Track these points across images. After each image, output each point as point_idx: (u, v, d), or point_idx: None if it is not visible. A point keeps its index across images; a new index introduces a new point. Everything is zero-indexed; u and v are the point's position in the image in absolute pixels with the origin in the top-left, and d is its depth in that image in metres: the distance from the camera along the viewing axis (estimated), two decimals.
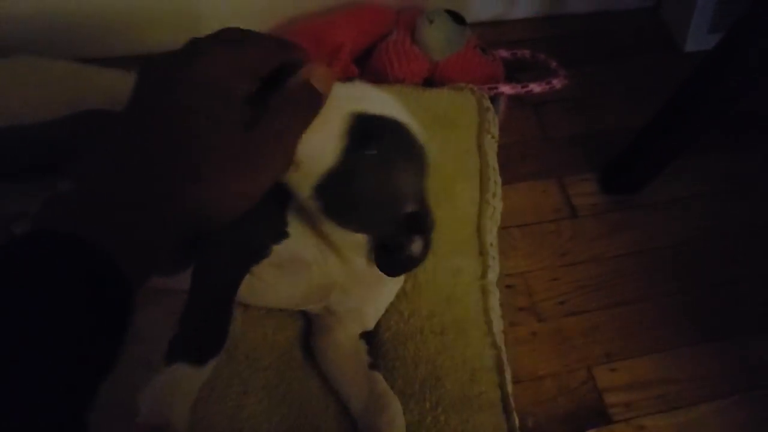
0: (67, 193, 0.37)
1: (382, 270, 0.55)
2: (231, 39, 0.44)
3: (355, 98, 0.48)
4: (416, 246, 0.54)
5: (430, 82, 0.99)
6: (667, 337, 0.89)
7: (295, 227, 0.55)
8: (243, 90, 0.41)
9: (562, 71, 0.97)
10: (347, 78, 0.97)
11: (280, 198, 0.52)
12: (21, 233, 0.32)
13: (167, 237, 0.37)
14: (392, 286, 0.65)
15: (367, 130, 0.47)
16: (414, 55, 0.94)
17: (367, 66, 1.00)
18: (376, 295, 0.65)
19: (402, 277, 0.65)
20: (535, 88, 0.93)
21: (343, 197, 0.49)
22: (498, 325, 0.74)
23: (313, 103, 0.44)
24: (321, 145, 0.46)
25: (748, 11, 0.79)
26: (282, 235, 0.54)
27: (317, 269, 0.57)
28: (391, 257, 0.54)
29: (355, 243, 0.54)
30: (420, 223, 0.52)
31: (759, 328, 0.93)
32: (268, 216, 0.54)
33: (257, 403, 0.65)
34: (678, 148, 0.97)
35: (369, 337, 0.67)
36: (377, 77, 0.96)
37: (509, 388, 0.69)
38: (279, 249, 0.54)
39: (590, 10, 1.20)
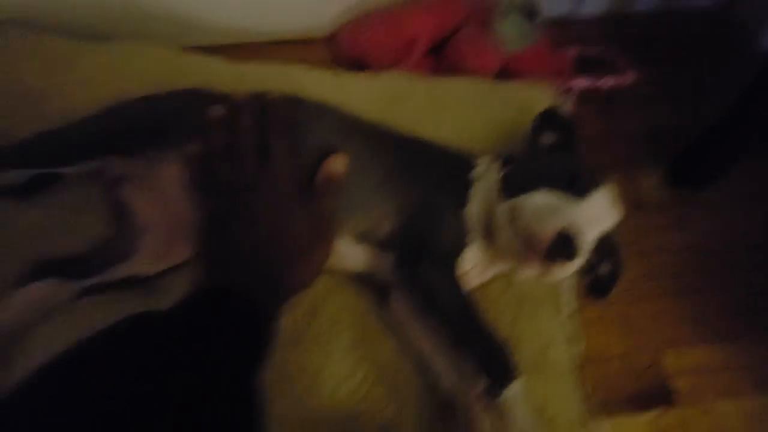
0: (214, 264, 0.56)
1: (595, 295, 0.71)
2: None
3: (596, 221, 0.63)
4: (604, 268, 0.69)
5: (502, 74, 1.01)
6: (732, 328, 0.90)
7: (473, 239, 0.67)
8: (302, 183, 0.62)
9: (631, 68, 0.98)
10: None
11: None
12: (198, 290, 0.52)
13: (287, 294, 0.57)
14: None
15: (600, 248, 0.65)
16: (488, 48, 0.97)
17: (441, 57, 1.03)
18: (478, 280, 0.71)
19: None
20: (606, 82, 0.95)
21: None
22: (570, 307, 0.77)
23: (337, 187, 0.63)
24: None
25: None
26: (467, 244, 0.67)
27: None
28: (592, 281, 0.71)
29: None
30: (607, 250, 0.67)
31: None
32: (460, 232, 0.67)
33: (340, 361, 0.69)
34: (746, 147, 0.97)
35: None
36: (451, 68, 0.99)
37: (581, 361, 0.72)
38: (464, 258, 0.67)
39: (660, 8, 1.20)
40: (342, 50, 1.03)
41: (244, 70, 0.88)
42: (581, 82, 0.94)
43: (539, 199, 0.63)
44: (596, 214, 0.63)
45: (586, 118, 1.05)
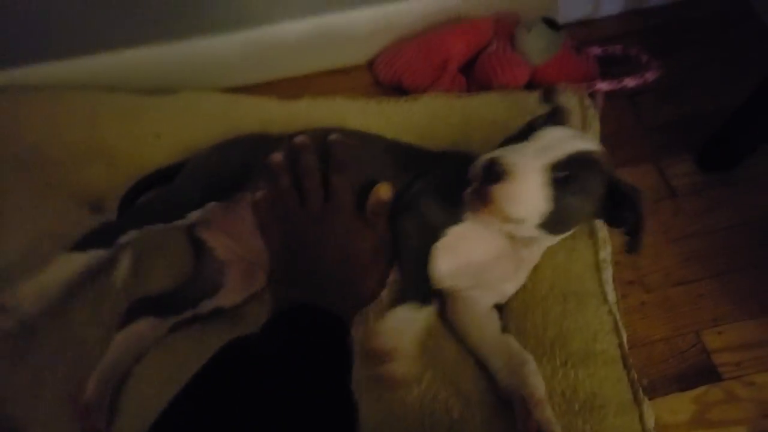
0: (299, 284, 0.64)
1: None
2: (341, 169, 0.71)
3: (542, 151, 0.65)
4: (628, 217, 0.70)
5: (530, 85, 1.06)
6: None
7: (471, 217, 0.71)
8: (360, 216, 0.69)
9: (655, 63, 1.03)
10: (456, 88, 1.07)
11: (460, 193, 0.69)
12: (281, 310, 0.60)
13: (360, 306, 0.67)
14: (529, 268, 0.78)
15: (562, 173, 0.64)
16: (515, 62, 1.03)
17: (472, 75, 1.09)
18: (520, 275, 0.77)
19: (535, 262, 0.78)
20: (630, 82, 1.00)
21: (560, 221, 0.67)
22: (612, 297, 0.83)
23: (385, 209, 0.70)
24: (535, 204, 0.64)
25: None
26: (459, 220, 0.71)
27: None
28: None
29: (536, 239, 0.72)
30: (621, 198, 0.69)
31: None
32: (451, 206, 0.71)
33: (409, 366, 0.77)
34: None
35: (499, 306, 0.78)
36: (482, 85, 1.06)
37: (626, 348, 0.78)
38: (456, 230, 0.71)
39: None
40: (380, 76, 1.10)
41: (294, 107, 0.97)
42: (606, 85, 1.00)
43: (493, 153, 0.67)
44: (542, 146, 0.66)
45: (614, 115, 1.09)
